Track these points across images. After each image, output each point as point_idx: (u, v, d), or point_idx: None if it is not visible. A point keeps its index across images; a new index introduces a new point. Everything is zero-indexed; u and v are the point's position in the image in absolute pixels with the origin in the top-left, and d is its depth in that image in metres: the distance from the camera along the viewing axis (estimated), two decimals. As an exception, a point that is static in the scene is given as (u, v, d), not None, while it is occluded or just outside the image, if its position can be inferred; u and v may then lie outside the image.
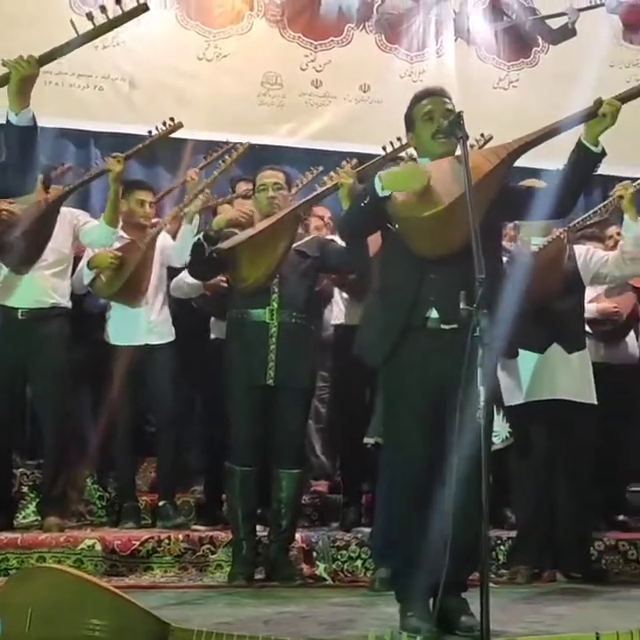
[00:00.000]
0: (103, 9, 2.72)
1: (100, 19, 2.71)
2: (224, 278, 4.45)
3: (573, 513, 4.33)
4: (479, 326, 2.47)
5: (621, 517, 5.18)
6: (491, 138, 4.44)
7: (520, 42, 6.81)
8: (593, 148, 3.01)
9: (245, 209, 4.27)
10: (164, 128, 4.57)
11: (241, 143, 4.94)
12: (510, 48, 6.79)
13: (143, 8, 2.77)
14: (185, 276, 4.67)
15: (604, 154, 3.03)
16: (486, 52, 6.75)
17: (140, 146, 4.59)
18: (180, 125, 4.60)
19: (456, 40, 6.69)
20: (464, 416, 2.54)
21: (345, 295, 4.94)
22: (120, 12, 2.74)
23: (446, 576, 2.68)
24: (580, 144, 3.03)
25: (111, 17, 2.72)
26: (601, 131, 3.00)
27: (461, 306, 2.56)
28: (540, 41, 6.83)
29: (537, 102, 6.15)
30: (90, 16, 2.68)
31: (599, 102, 2.99)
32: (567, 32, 6.81)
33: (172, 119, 4.58)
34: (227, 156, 4.92)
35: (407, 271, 3.05)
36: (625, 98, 3.02)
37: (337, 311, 5.01)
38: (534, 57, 6.81)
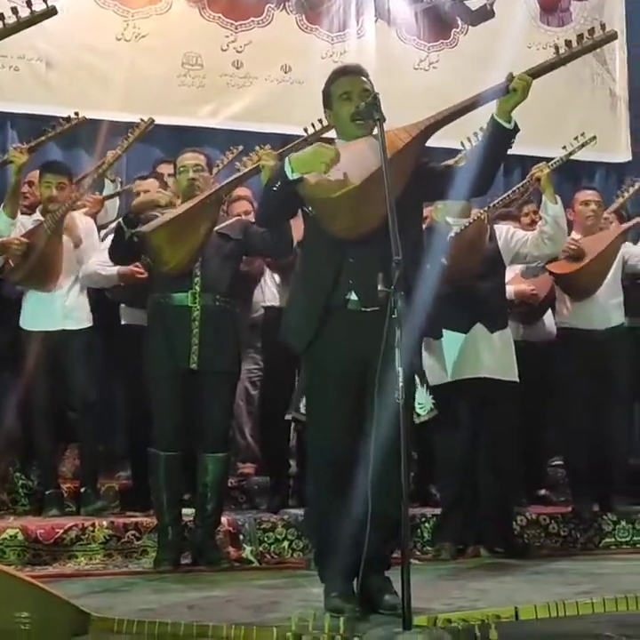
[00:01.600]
0: (15, 10, 2.99)
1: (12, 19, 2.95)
2: (139, 268, 4.42)
3: (496, 489, 4.40)
4: (396, 308, 2.48)
5: (543, 492, 5.30)
6: None
7: (440, 23, 6.84)
8: (505, 125, 3.01)
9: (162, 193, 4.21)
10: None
11: (143, 119, 4.81)
12: (430, 29, 6.80)
13: (52, 12, 3.03)
14: (97, 267, 4.60)
15: (516, 130, 3.03)
16: (407, 33, 6.76)
17: (43, 138, 4.54)
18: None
19: (376, 21, 6.68)
20: (383, 397, 2.56)
21: (277, 277, 4.94)
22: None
23: (369, 555, 2.70)
24: (492, 120, 3.04)
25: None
26: (513, 106, 3.00)
27: (379, 288, 2.57)
28: (459, 22, 6.87)
29: (457, 83, 6.16)
30: (1, 17, 2.87)
31: (510, 77, 3.00)
32: (486, 13, 6.86)
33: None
34: (129, 133, 4.81)
35: (326, 254, 3.04)
36: (535, 73, 3.02)
37: (268, 293, 5.00)
38: (454, 38, 6.85)
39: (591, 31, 3.06)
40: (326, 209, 2.96)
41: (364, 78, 3.14)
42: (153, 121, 4.80)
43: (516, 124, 3.03)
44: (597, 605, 2.61)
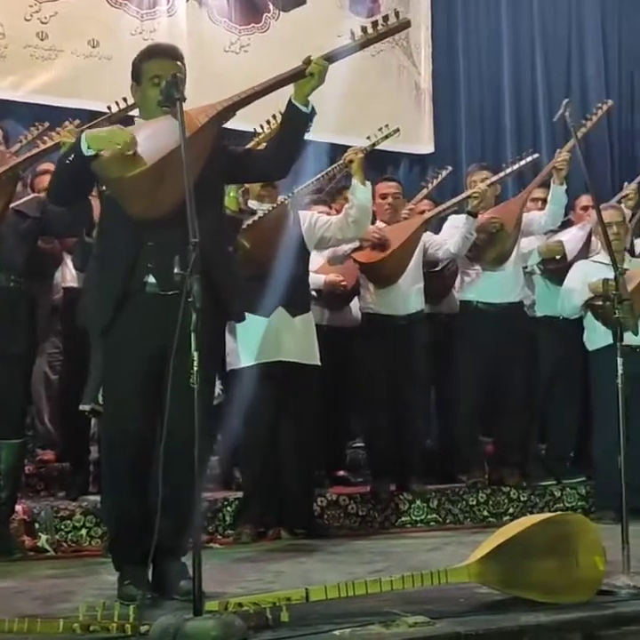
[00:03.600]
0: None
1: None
2: None
3: (297, 471, 4.47)
4: (192, 291, 2.45)
5: (341, 473, 5.42)
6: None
7: (251, 7, 6.82)
8: (302, 108, 3.04)
9: None
10: None
11: None
12: (242, 12, 6.77)
13: None
14: None
15: (313, 113, 3.07)
16: (218, 14, 6.70)
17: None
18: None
19: (187, 0, 6.59)
20: (178, 382, 2.52)
21: (75, 257, 4.79)
22: None
23: (163, 541, 2.67)
24: (289, 104, 3.06)
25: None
26: (310, 90, 3.03)
27: (175, 271, 2.53)
28: (271, 7, 6.87)
29: (267, 68, 6.00)
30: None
31: (308, 61, 3.02)
32: (298, 0, 6.90)
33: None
34: None
35: (124, 236, 2.97)
36: (331, 57, 3.05)
37: (68, 274, 4.85)
38: (265, 22, 6.85)
39: (385, 18, 3.09)
40: (121, 189, 2.89)
41: (178, 63, 3.08)
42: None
43: (313, 108, 3.06)
44: (385, 584, 2.69)
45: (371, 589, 2.67)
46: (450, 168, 5.96)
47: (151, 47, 3.16)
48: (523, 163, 5.37)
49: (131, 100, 3.62)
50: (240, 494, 4.58)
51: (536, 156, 5.45)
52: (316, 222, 4.59)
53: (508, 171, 5.35)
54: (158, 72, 3.04)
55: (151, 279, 2.97)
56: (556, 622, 2.60)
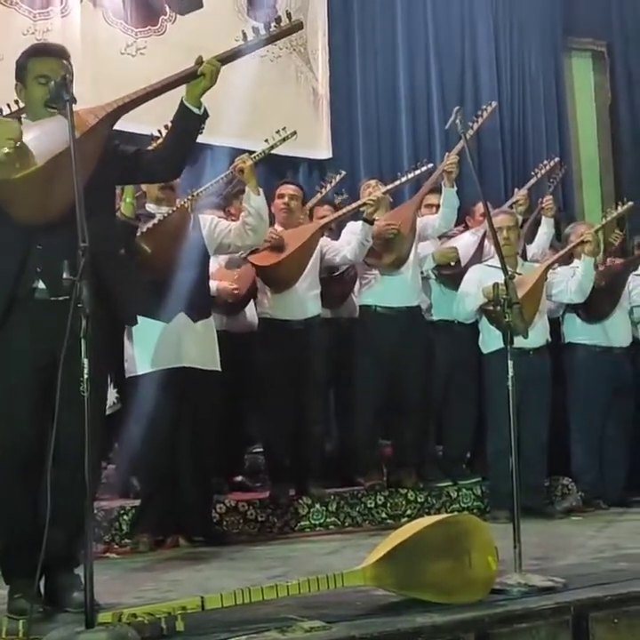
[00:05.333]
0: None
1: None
2: None
3: (196, 478, 4.42)
4: (82, 296, 2.40)
5: (239, 478, 5.40)
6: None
7: (148, 9, 6.71)
8: (194, 110, 3.03)
9: None
10: None
11: None
12: (138, 14, 6.66)
13: None
14: None
15: (206, 116, 3.06)
16: (114, 16, 6.59)
17: None
18: None
19: (82, 1, 6.46)
20: (69, 390, 2.47)
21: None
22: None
23: (53, 553, 2.61)
24: (181, 105, 3.04)
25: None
26: (201, 91, 3.02)
27: (64, 276, 2.47)
28: (167, 10, 6.79)
29: (164, 71, 5.97)
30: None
31: (199, 61, 3.01)
32: (194, 3, 6.83)
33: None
34: None
35: (11, 240, 2.89)
36: (224, 58, 3.05)
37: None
38: (162, 25, 6.76)
39: (278, 20, 3.10)
40: (7, 191, 2.81)
41: (65, 62, 3.01)
42: None
43: (205, 110, 3.05)
44: (282, 589, 2.69)
45: (267, 596, 2.67)
46: (344, 172, 6.02)
47: (36, 46, 3.10)
48: (417, 172, 5.50)
49: (22, 104, 3.53)
50: (137, 502, 4.51)
51: (430, 165, 5.56)
52: (215, 227, 4.56)
53: (403, 179, 5.47)
54: (44, 71, 2.97)
55: (40, 284, 2.90)
56: (451, 622, 2.64)
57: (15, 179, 2.75)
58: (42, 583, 2.84)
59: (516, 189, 6.34)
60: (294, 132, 5.00)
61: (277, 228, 5.14)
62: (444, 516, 3.38)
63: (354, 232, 5.19)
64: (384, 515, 5.19)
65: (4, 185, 2.78)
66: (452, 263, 5.64)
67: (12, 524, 2.92)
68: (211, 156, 6.30)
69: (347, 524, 5.06)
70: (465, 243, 5.75)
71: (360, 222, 5.14)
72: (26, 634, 2.33)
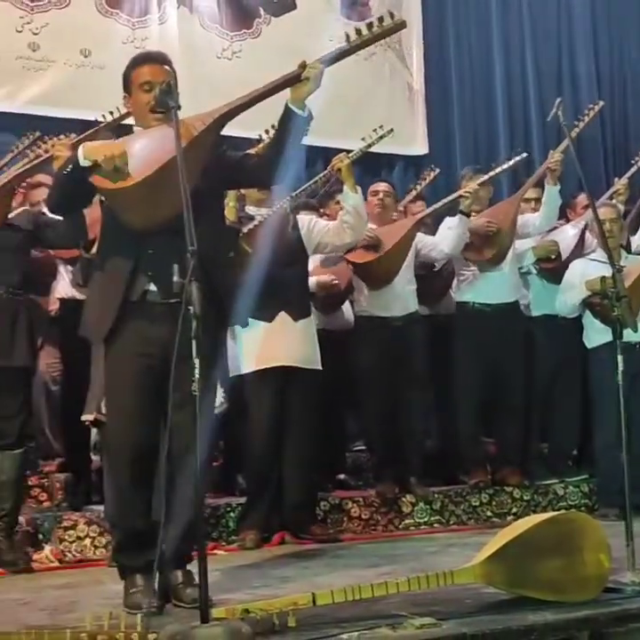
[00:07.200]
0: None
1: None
2: None
3: (300, 476, 4.46)
4: (192, 298, 2.45)
5: (342, 477, 5.41)
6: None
7: (242, 12, 6.82)
8: (299, 112, 3.02)
9: None
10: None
11: None
12: (233, 18, 6.77)
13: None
14: None
15: (310, 117, 3.05)
16: (209, 21, 6.70)
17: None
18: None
19: (179, 7, 6.59)
20: (180, 390, 2.52)
21: (70, 268, 4.78)
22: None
23: (168, 549, 2.66)
24: (286, 108, 3.04)
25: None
26: (306, 94, 3.01)
27: (174, 279, 2.52)
28: (262, 12, 6.87)
29: (260, 73, 6.03)
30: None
31: (303, 65, 3.00)
32: (288, 5, 6.90)
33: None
34: None
35: (124, 245, 2.97)
36: (328, 61, 3.03)
37: (64, 285, 4.84)
38: (257, 28, 6.85)
39: (380, 19, 3.05)
40: (119, 199, 2.90)
41: (167, 67, 3.06)
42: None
43: (309, 112, 3.05)
44: (391, 586, 2.69)
45: (377, 592, 2.67)
46: (438, 170, 5.97)
47: (139, 55, 3.16)
48: (512, 162, 5.40)
49: (124, 109, 3.63)
50: (243, 500, 4.57)
51: (524, 155, 5.46)
52: (314, 227, 4.59)
53: (498, 170, 5.37)
54: (148, 78, 3.04)
55: (152, 287, 2.97)
56: (564, 621, 2.60)
57: (127, 187, 2.83)
58: (156, 579, 2.91)
59: (616, 179, 6.19)
60: (391, 130, 4.98)
61: (371, 225, 5.13)
62: (555, 513, 3.33)
63: (450, 227, 5.16)
64: (489, 513, 5.15)
65: (118, 192, 2.87)
66: (553, 257, 5.55)
67: (127, 522, 3.00)
68: (307, 157, 6.35)
69: (451, 522, 5.04)
70: (566, 236, 5.65)
71: (457, 216, 5.10)
72: (144, 628, 2.38)
